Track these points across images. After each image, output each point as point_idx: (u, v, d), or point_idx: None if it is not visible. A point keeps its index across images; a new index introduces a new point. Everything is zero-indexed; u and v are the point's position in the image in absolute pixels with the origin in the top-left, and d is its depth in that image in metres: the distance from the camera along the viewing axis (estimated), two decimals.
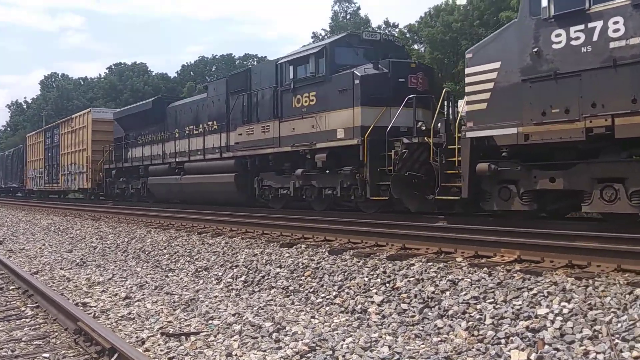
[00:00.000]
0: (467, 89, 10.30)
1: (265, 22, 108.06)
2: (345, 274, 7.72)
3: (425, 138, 11.62)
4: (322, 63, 13.91)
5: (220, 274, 9.28)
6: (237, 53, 68.83)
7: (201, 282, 9.12)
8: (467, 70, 10.32)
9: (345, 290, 7.26)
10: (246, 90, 16.66)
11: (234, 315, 6.82)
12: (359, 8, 49.19)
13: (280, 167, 15.54)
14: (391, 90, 12.82)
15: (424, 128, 11.95)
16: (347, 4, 49.04)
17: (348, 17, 48.23)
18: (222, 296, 8.02)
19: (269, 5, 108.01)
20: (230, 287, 8.53)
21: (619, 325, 4.88)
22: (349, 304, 6.86)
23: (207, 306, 7.39)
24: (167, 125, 21.87)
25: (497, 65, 9.76)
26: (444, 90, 12.85)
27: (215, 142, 18.24)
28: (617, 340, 4.70)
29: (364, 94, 12.79)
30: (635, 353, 4.49)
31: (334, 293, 7.30)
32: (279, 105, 15.16)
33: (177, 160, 20.46)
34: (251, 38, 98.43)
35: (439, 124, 11.35)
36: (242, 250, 10.09)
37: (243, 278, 8.75)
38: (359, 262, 8.01)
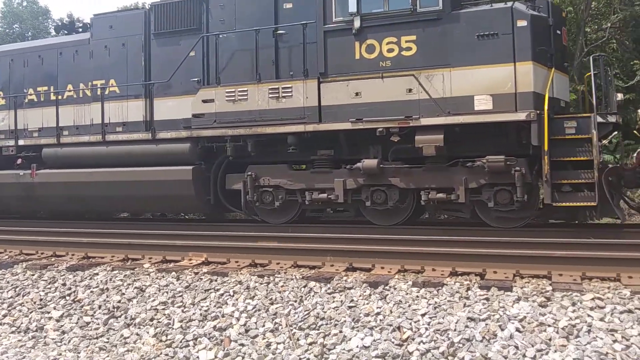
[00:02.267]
0: None
1: None
2: (17, 289, 6.89)
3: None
4: None
5: None
6: None
7: None
8: None
9: (17, 308, 6.47)
10: (200, 30, 10.55)
11: None
12: None
13: (305, 157, 9.89)
14: (552, 45, 8.85)
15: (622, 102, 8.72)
16: None
17: (25, 4, 43.62)
18: None
19: None
20: None
21: (296, 316, 5.34)
22: (22, 323, 6.13)
23: None
24: None
25: None
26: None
27: (126, 115, 11.39)
28: (295, 330, 5.13)
29: (535, 44, 8.31)
30: (310, 339, 4.96)
31: (3, 312, 6.45)
32: (322, 55, 9.31)
33: (19, 143, 12.34)
34: None
35: None
36: None
37: None
38: (33, 275, 7.26)
